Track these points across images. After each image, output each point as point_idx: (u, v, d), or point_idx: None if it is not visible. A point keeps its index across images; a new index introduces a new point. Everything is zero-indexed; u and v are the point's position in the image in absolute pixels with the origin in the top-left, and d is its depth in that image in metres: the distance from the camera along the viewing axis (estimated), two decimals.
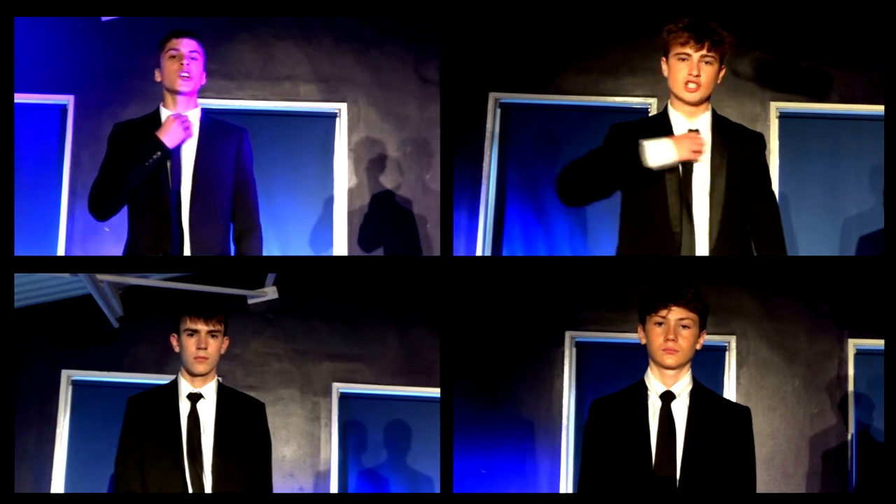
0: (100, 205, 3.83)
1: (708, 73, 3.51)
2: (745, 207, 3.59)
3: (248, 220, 3.93)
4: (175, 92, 3.82)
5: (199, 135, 3.85)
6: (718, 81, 3.56)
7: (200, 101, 3.91)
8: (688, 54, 3.50)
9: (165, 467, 3.45)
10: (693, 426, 3.23)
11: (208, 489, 3.46)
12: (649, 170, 3.49)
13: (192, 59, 3.82)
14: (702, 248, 3.53)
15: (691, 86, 3.51)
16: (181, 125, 3.79)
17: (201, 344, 3.52)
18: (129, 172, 3.75)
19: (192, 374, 3.55)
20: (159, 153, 3.75)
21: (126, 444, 3.50)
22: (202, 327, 3.52)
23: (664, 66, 3.57)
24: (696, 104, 3.56)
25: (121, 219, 3.89)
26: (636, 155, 3.48)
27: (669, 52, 3.54)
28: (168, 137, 3.77)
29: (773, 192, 3.68)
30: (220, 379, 3.65)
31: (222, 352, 3.58)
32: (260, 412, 3.64)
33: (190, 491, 3.45)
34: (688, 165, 3.54)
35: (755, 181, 3.61)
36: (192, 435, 3.50)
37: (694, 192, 3.54)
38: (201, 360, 3.52)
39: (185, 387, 3.56)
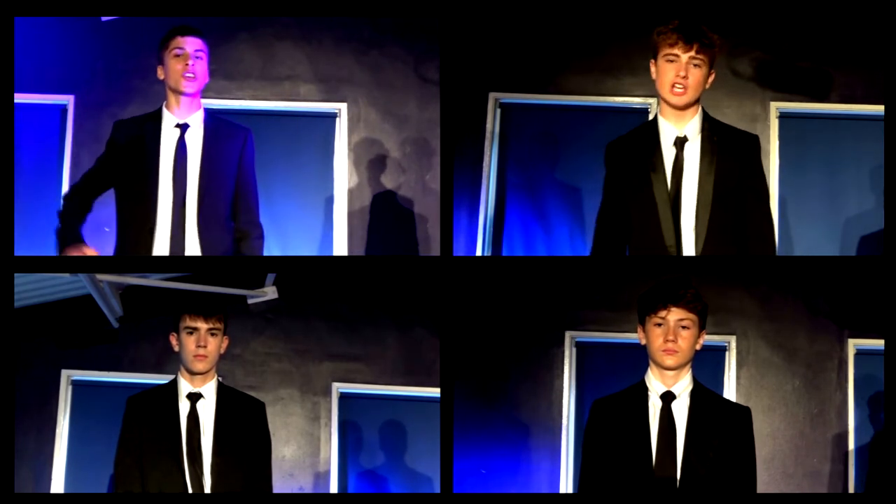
0: (65, 217, 3.87)
1: (696, 75, 3.46)
2: (738, 214, 3.55)
3: (250, 222, 3.92)
4: (179, 93, 3.81)
5: (203, 136, 3.84)
6: (707, 86, 3.51)
7: (202, 101, 3.90)
8: (676, 55, 3.45)
9: (165, 467, 3.45)
10: (693, 426, 3.23)
11: (208, 489, 3.45)
12: (641, 186, 3.48)
13: (197, 58, 3.79)
14: (689, 253, 3.51)
15: (678, 88, 3.45)
16: None
17: (201, 342, 3.51)
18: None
19: (192, 373, 3.55)
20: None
21: (125, 444, 3.50)
22: (202, 325, 3.52)
23: (653, 69, 3.53)
24: (684, 108, 3.51)
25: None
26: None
27: (658, 54, 3.49)
28: None
29: (767, 199, 3.60)
30: (221, 378, 3.65)
31: (222, 351, 3.58)
32: (260, 412, 3.64)
33: (189, 491, 3.44)
34: (677, 174, 3.51)
35: (748, 187, 3.56)
36: (192, 435, 3.50)
37: (684, 200, 3.50)
38: (201, 359, 3.52)
39: (185, 386, 3.55)
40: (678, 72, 3.45)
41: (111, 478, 3.59)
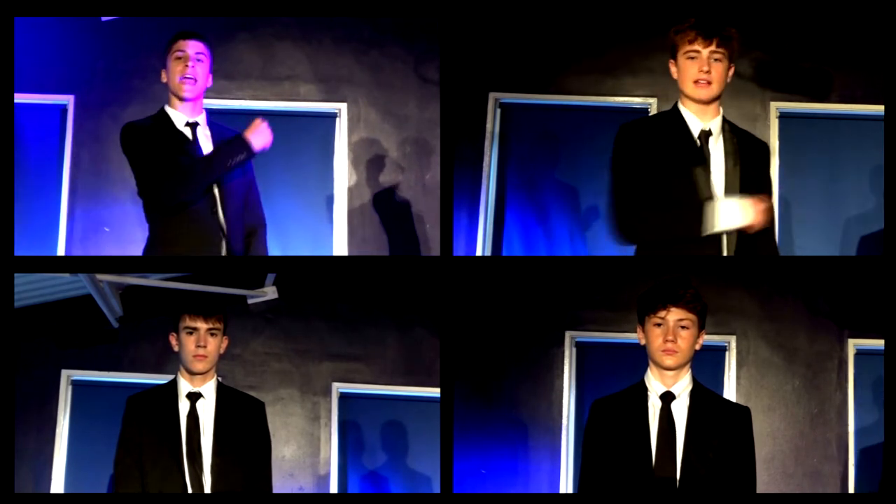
0: (176, 194, 3.73)
1: (718, 70, 3.47)
2: None
3: (257, 218, 3.96)
4: (179, 98, 3.82)
5: (212, 136, 3.86)
6: (728, 80, 3.54)
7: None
8: (697, 52, 3.46)
9: (164, 467, 3.45)
10: (693, 426, 3.22)
11: (208, 489, 3.45)
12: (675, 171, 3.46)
13: (198, 61, 3.81)
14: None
15: (701, 82, 3.47)
16: (268, 128, 3.79)
17: (200, 342, 3.51)
18: (212, 169, 3.73)
19: (192, 373, 3.54)
20: (244, 154, 3.75)
21: (125, 444, 3.50)
22: (201, 325, 3.51)
23: (672, 68, 3.53)
24: (708, 102, 3.51)
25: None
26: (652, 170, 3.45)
27: (678, 52, 3.49)
28: (256, 139, 3.77)
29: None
30: (221, 379, 3.64)
31: (221, 351, 3.57)
32: (259, 411, 3.64)
33: (189, 490, 3.44)
34: (706, 167, 3.49)
35: (758, 192, 3.57)
36: (192, 434, 3.49)
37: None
38: (200, 359, 3.51)
39: (185, 386, 3.55)
40: (700, 67, 3.46)
41: (111, 478, 3.59)
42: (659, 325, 3.23)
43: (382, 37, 5.34)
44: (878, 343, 4.64)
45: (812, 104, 5.17)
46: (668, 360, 3.23)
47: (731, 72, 3.53)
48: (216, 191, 3.80)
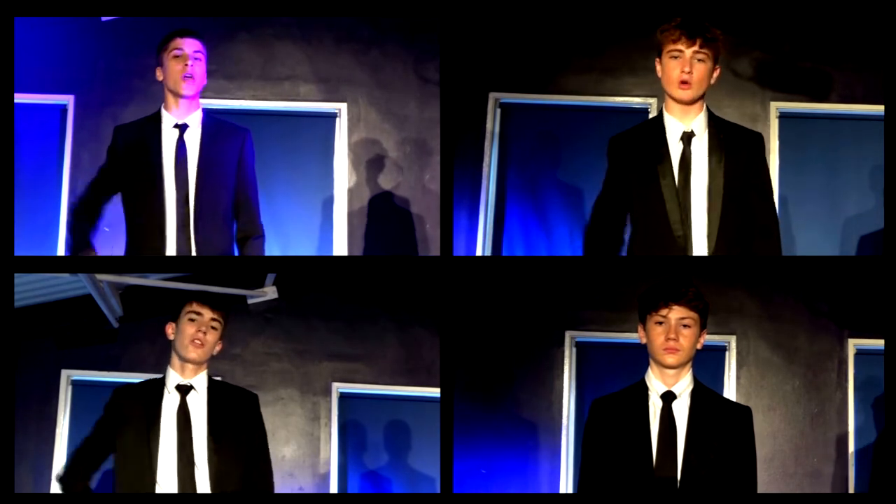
0: (77, 224, 3.92)
1: (700, 70, 3.50)
2: (745, 210, 3.57)
3: (252, 224, 3.91)
4: (178, 95, 3.81)
5: (201, 136, 3.84)
6: (713, 82, 3.54)
7: (200, 101, 3.90)
8: (680, 51, 3.49)
9: (138, 459, 3.40)
10: (694, 426, 3.22)
11: (202, 487, 3.41)
12: (646, 178, 3.50)
13: (196, 59, 3.80)
14: (700, 251, 3.52)
15: (684, 84, 3.50)
16: None
17: (201, 328, 3.47)
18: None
19: (184, 361, 3.49)
20: None
21: (97, 430, 3.47)
22: (206, 313, 3.48)
23: (658, 67, 3.57)
24: (690, 103, 3.54)
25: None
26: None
27: (663, 51, 3.54)
28: None
29: (771, 196, 3.66)
30: (219, 379, 3.63)
31: (216, 351, 3.53)
32: (253, 403, 3.58)
33: (177, 489, 3.39)
34: (685, 168, 3.53)
35: (753, 184, 3.59)
36: (183, 430, 3.45)
37: (693, 194, 3.53)
38: (197, 346, 3.46)
39: (175, 377, 3.48)
40: (682, 67, 3.48)
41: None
42: (660, 323, 3.23)
43: (382, 37, 5.34)
44: (878, 343, 4.64)
45: (812, 104, 5.17)
46: (670, 359, 3.23)
47: (717, 73, 3.55)
48: (190, 195, 3.79)
